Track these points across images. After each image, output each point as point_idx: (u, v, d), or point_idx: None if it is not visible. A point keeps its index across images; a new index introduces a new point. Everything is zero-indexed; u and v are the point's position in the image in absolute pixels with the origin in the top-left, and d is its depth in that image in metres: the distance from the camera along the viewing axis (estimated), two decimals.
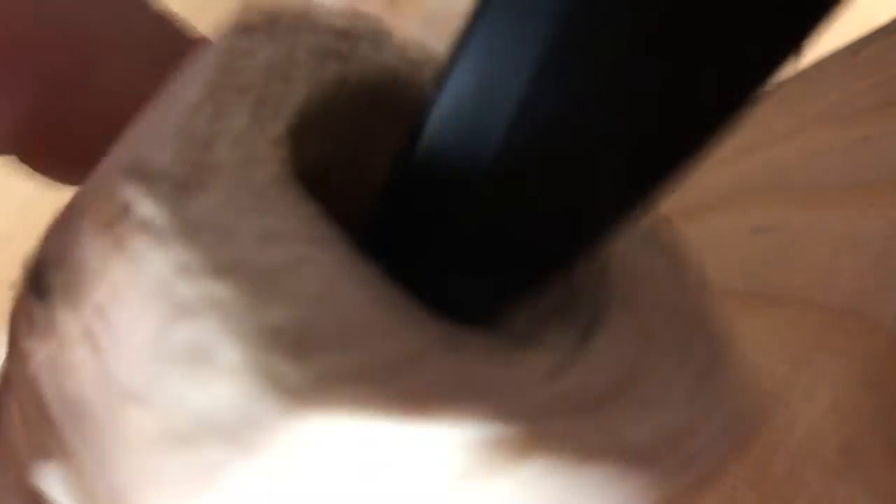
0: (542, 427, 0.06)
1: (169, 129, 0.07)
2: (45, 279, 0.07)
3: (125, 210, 0.06)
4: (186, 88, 0.07)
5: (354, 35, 0.08)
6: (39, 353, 0.07)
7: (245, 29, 0.07)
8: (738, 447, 0.08)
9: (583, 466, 0.06)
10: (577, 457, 0.06)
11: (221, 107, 0.07)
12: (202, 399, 0.06)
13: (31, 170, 0.11)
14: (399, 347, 0.06)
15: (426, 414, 0.06)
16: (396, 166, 0.07)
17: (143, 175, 0.06)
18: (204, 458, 0.06)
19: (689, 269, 0.09)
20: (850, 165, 0.13)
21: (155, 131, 0.07)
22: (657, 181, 0.06)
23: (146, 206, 0.06)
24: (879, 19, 0.18)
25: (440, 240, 0.07)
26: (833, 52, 0.17)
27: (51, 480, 0.07)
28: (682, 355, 0.08)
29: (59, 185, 0.12)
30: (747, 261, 0.14)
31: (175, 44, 0.11)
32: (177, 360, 0.06)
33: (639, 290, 0.08)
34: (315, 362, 0.06)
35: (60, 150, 0.11)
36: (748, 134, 0.19)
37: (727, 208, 0.17)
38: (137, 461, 0.07)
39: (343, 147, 0.08)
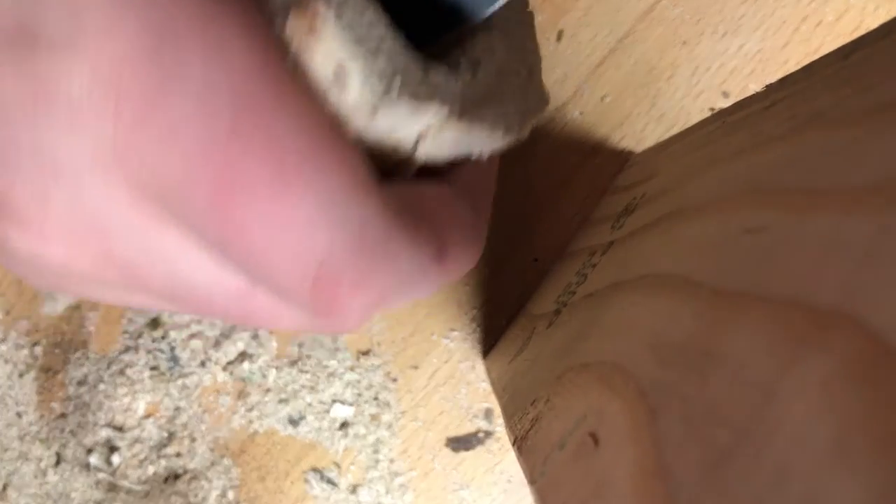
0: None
1: None
2: None
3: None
4: None
5: None
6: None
7: None
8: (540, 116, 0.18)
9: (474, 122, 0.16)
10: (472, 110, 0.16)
11: None
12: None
13: None
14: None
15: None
16: None
17: None
18: None
19: (529, 24, 0.19)
20: (838, 168, 0.13)
21: None
22: None
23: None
24: (868, 25, 0.18)
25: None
26: (823, 56, 0.17)
27: None
28: (520, 78, 0.18)
29: None
30: (737, 261, 0.14)
31: None
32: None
33: (497, 41, 0.17)
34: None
35: None
36: (738, 137, 0.19)
37: (718, 210, 0.17)
38: None
39: None
